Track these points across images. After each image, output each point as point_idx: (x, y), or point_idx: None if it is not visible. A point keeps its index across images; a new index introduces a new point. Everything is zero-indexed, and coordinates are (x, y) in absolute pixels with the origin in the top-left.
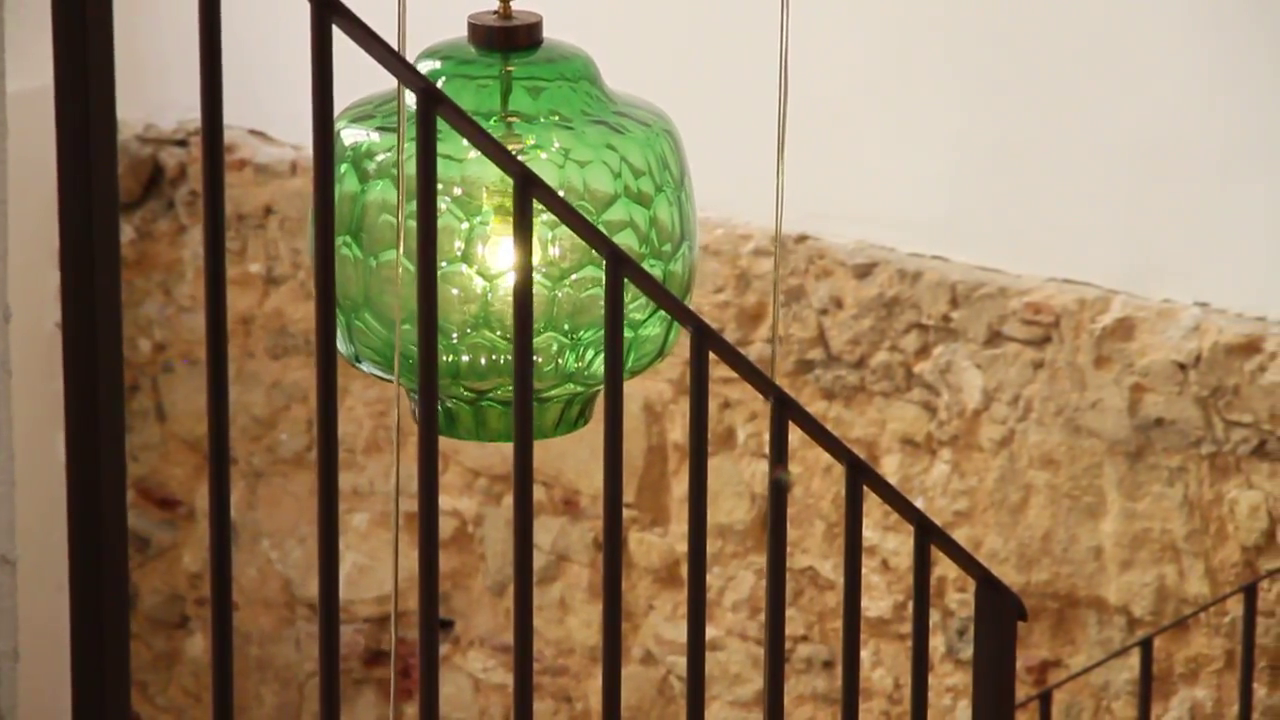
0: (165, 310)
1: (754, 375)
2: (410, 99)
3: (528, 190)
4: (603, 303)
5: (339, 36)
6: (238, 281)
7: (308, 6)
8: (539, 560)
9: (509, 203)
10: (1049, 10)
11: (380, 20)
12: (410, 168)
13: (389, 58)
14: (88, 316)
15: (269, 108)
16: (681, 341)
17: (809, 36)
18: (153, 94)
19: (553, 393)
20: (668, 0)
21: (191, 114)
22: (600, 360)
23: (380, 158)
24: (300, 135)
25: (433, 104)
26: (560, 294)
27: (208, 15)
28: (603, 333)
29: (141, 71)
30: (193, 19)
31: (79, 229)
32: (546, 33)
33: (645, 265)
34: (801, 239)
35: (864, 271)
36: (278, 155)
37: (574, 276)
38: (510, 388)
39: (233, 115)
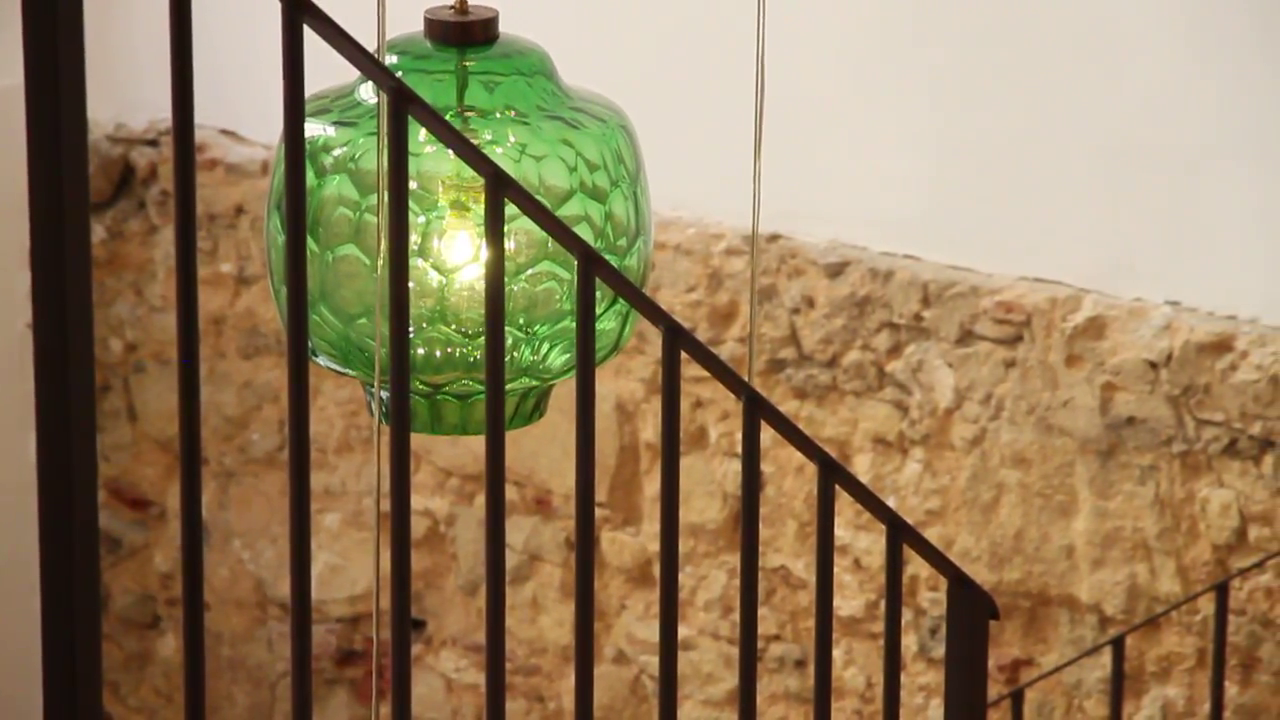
0: (136, 310)
1: (726, 374)
2: (376, 96)
3: (500, 190)
4: (558, 297)
5: (309, 35)
6: (209, 281)
7: (278, 6)
8: (511, 560)
9: (464, 197)
10: (1021, 11)
11: (351, 19)
12: (369, 162)
13: (360, 57)
14: (59, 317)
15: (240, 107)
16: (654, 340)
17: (780, 36)
18: (124, 93)
19: (509, 386)
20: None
21: (162, 113)
22: (555, 354)
23: (337, 152)
24: (271, 134)
25: (405, 103)
26: (516, 288)
27: (178, 14)
28: (558, 327)
29: (112, 71)
30: (163, 18)
31: (50, 229)
32: (506, 28)
33: None
34: (774, 238)
35: (836, 271)
36: (249, 155)
37: (530, 271)
38: (466, 382)
39: (204, 115)
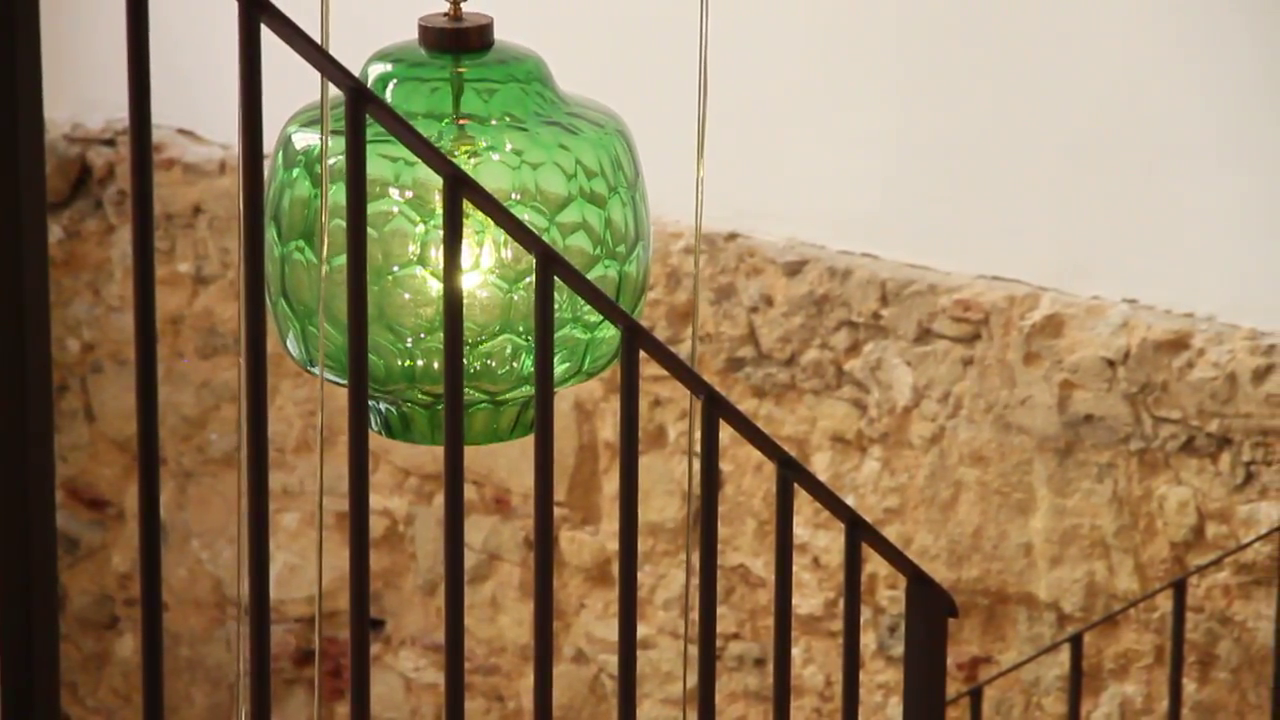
0: (94, 310)
1: (685, 373)
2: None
3: (458, 190)
4: (558, 305)
5: (268, 35)
6: (166, 281)
7: (235, 5)
8: (470, 559)
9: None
10: (977, 10)
11: (314, 20)
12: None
13: (317, 56)
14: (16, 317)
15: (197, 106)
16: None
17: (740, 34)
18: (80, 93)
19: (509, 395)
20: None
21: (119, 113)
22: (556, 362)
23: (332, 161)
24: (229, 134)
25: (362, 103)
26: (515, 296)
27: (135, 13)
28: (559, 335)
29: (69, 70)
30: (120, 17)
31: (6, 229)
32: (497, 34)
33: (600, 267)
34: (731, 237)
35: (794, 269)
36: (206, 154)
37: (529, 279)
38: (466, 391)
39: (161, 114)
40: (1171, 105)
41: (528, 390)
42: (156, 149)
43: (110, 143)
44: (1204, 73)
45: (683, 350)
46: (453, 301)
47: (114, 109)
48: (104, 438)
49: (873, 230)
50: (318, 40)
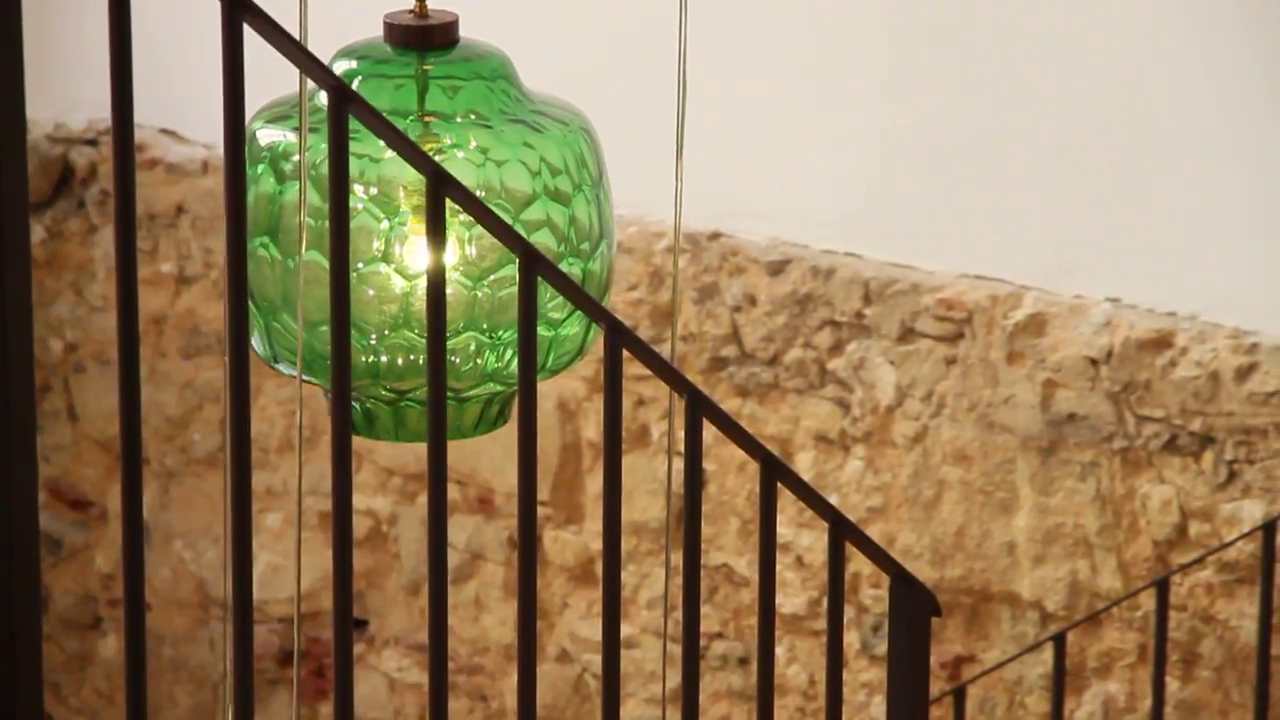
0: (76, 310)
1: (668, 372)
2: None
3: (441, 189)
4: None
5: (251, 34)
6: (149, 281)
7: (218, 5)
8: (453, 559)
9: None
10: (960, 10)
11: (293, 18)
12: (323, 166)
13: (299, 56)
14: None
15: (180, 106)
16: (597, 339)
17: (723, 34)
18: (63, 93)
19: (472, 392)
20: None
21: (102, 113)
22: (536, 360)
23: (297, 158)
24: (212, 134)
25: (344, 102)
26: (479, 294)
27: (118, 13)
28: None
29: (51, 70)
30: (102, 17)
31: None
32: (463, 32)
33: (564, 264)
34: (714, 236)
35: (777, 268)
36: (189, 154)
37: (493, 276)
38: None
39: (143, 114)
40: (1154, 105)
41: (491, 387)
42: (139, 149)
43: (93, 142)
44: (1187, 73)
45: (666, 349)
46: (437, 297)
47: (96, 109)
48: (87, 438)
49: (856, 229)
50: (297, 38)
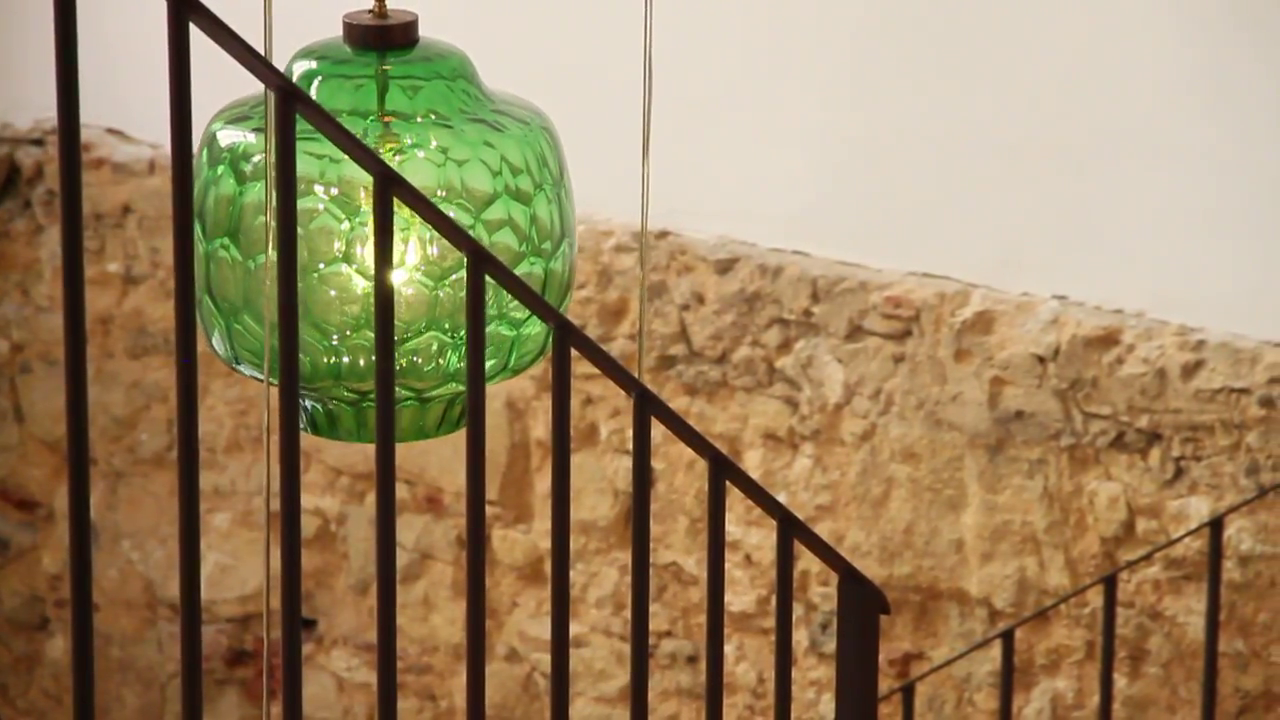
0: (23, 310)
1: (616, 371)
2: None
3: (388, 189)
4: (486, 302)
5: (197, 33)
6: (96, 281)
7: (164, 3)
8: (402, 558)
9: None
10: (905, 10)
11: (247, 19)
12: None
13: (246, 55)
14: None
15: (126, 106)
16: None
17: (668, 32)
18: (8, 93)
19: (435, 393)
20: None
21: (48, 113)
22: (484, 359)
23: (256, 158)
24: (158, 133)
25: (291, 101)
26: (441, 293)
27: (63, 12)
28: (486, 332)
29: None
30: (47, 16)
31: None
32: (430, 32)
33: (526, 264)
34: (663, 235)
35: (725, 267)
36: (136, 154)
37: (454, 276)
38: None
39: (90, 114)
40: (1099, 103)
41: (454, 387)
42: (85, 148)
43: (39, 142)
44: (1132, 71)
45: (614, 348)
46: (384, 299)
47: (42, 109)
48: (34, 438)
49: (803, 228)
50: (256, 40)
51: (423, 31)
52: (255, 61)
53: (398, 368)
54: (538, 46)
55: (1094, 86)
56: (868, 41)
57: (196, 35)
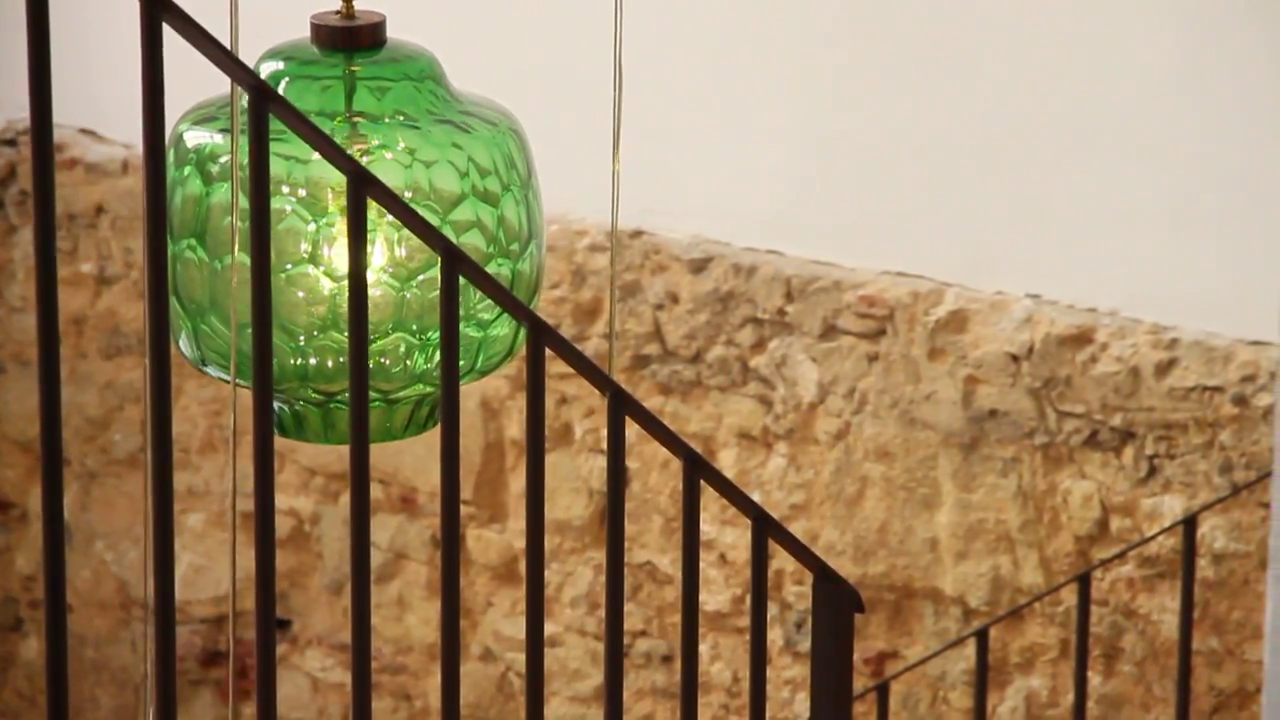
0: None
1: (590, 371)
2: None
3: (362, 189)
4: None
5: (170, 34)
6: (69, 281)
7: (137, 4)
8: (377, 558)
9: None
10: (879, 10)
11: (218, 19)
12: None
13: (219, 55)
14: None
15: (99, 106)
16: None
17: (642, 33)
18: None
19: (402, 394)
20: None
21: (20, 113)
22: (458, 360)
23: (224, 160)
24: (131, 134)
25: (265, 102)
26: (409, 295)
27: (35, 12)
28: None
29: None
30: (20, 17)
31: None
32: (398, 33)
33: (493, 265)
34: (637, 234)
35: (699, 266)
36: (108, 154)
37: (421, 277)
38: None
39: (63, 114)
40: (1074, 103)
41: (421, 389)
42: (58, 149)
43: (11, 143)
44: (1106, 71)
45: (588, 348)
46: (359, 299)
47: (15, 109)
48: (7, 439)
49: (777, 227)
50: (223, 39)
51: (395, 33)
52: (228, 61)
53: None
54: (514, 47)
55: (1067, 86)
56: (842, 42)
57: (169, 35)
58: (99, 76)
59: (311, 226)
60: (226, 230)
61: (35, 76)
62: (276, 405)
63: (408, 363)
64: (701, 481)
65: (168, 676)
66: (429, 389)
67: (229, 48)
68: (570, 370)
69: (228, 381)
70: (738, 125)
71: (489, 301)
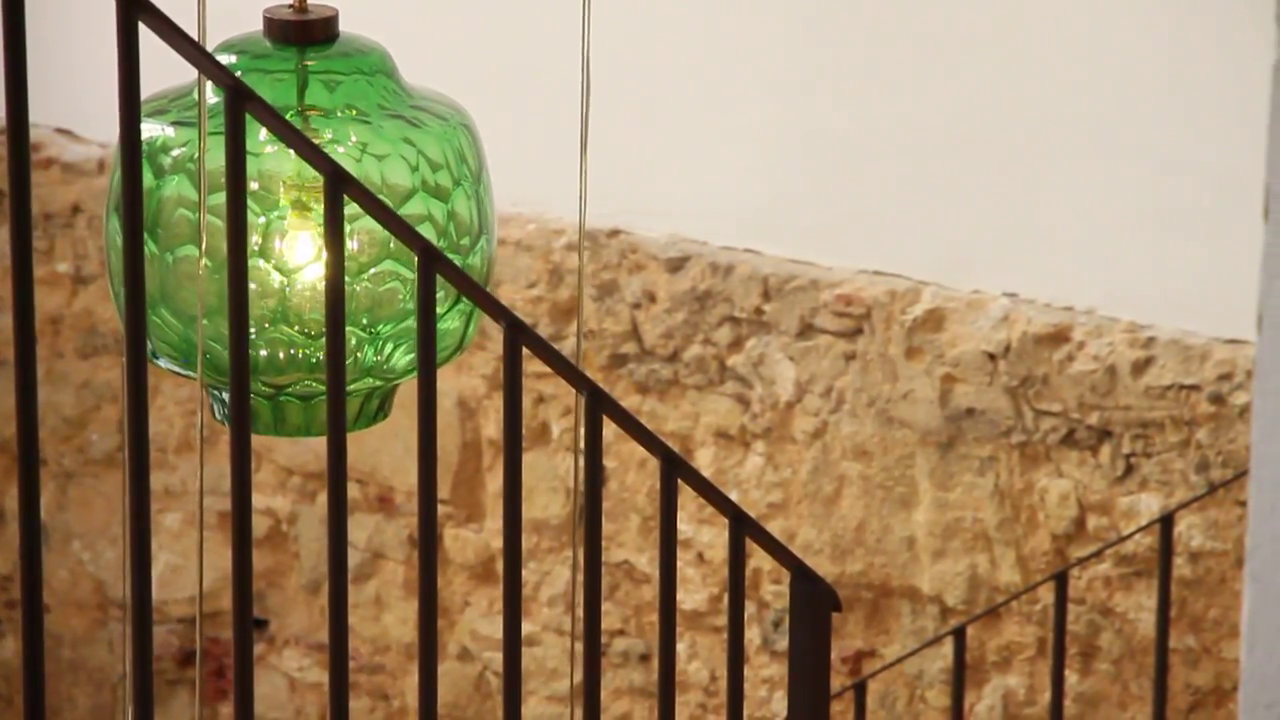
0: None
1: (567, 370)
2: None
3: (339, 187)
4: (401, 297)
5: (146, 33)
6: (46, 281)
7: (113, 3)
8: (354, 558)
9: (306, 197)
10: (855, 7)
11: (184, 15)
12: (210, 162)
13: (196, 55)
14: None
15: (76, 105)
16: (496, 337)
17: (621, 30)
18: None
19: (352, 387)
20: None
21: None
22: (399, 354)
23: (176, 152)
24: (108, 133)
25: (242, 101)
26: (359, 288)
27: (11, 12)
28: (401, 326)
29: None
30: None
31: None
32: (343, 27)
33: None
34: (614, 233)
35: (676, 265)
36: (85, 153)
37: (372, 270)
38: (309, 383)
39: (39, 113)
40: (1049, 100)
41: (370, 382)
42: (35, 148)
43: None
44: (1082, 68)
45: (565, 346)
46: (335, 296)
47: None
48: None
49: (754, 226)
50: (195, 37)
51: (359, 29)
52: (204, 60)
53: (313, 362)
54: (491, 45)
55: (1043, 86)
56: (820, 42)
57: (145, 34)
58: (75, 76)
59: (262, 220)
60: (178, 224)
61: (11, 76)
62: (228, 396)
63: (358, 355)
64: (679, 480)
65: (145, 676)
66: (378, 382)
67: (199, 43)
68: (548, 369)
69: (179, 373)
70: (715, 124)
71: (439, 295)
